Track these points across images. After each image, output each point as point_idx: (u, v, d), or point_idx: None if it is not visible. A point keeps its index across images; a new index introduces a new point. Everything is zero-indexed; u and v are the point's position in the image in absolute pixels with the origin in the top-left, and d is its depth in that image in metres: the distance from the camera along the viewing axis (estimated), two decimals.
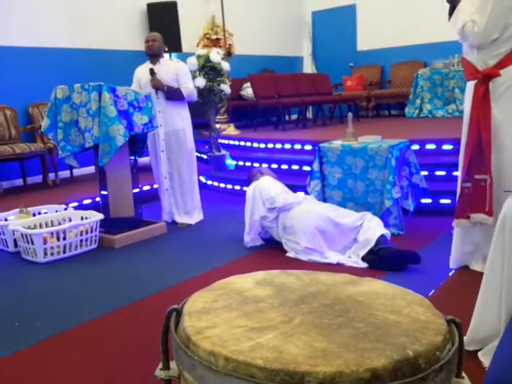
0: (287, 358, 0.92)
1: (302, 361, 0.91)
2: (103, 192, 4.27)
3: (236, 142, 6.92)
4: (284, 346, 0.96)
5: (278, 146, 6.24)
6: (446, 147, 5.03)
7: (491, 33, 2.72)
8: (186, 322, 1.08)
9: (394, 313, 1.12)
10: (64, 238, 3.86)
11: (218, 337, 1.00)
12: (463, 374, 1.07)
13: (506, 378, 1.27)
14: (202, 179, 6.12)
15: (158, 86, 4.40)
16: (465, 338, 2.12)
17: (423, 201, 4.48)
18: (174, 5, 7.48)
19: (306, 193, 4.22)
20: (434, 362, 0.97)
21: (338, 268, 3.29)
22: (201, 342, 1.00)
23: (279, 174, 4.52)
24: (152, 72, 4.39)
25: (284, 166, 5.75)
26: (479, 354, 2.09)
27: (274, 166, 5.74)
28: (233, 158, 6.45)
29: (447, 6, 2.97)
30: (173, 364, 1.11)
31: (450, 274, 3.11)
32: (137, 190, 4.35)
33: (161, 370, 1.12)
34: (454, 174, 3.50)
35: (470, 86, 2.94)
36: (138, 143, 4.34)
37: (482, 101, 2.86)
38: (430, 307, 1.16)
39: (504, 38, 2.74)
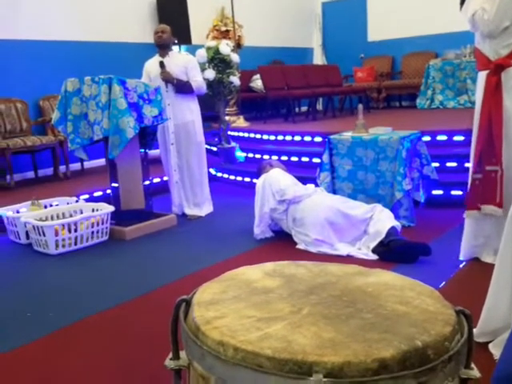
0: (296, 347, 0.92)
1: (310, 351, 0.91)
2: (114, 184, 4.29)
3: (246, 134, 6.91)
4: (292, 336, 0.96)
5: (288, 138, 6.22)
6: (458, 138, 4.99)
7: (501, 20, 2.69)
8: (196, 312, 1.09)
9: (402, 304, 1.11)
10: (75, 230, 3.89)
11: (226, 327, 1.01)
12: (472, 365, 1.07)
13: None
14: (212, 171, 6.13)
15: (168, 78, 4.41)
16: (475, 329, 2.11)
17: (434, 192, 4.46)
18: None
19: (316, 185, 4.21)
20: (443, 353, 0.96)
21: (347, 260, 3.29)
22: (210, 332, 1.00)
23: (289, 166, 4.52)
24: (162, 65, 4.40)
25: (294, 158, 5.74)
26: (490, 345, 2.08)
27: (284, 158, 5.73)
28: (242, 150, 6.45)
29: None
30: (183, 354, 1.12)
31: (461, 266, 3.09)
32: (147, 183, 4.38)
33: (171, 359, 1.13)
34: (466, 165, 3.47)
35: (482, 76, 2.91)
36: (148, 136, 4.35)
37: (494, 91, 2.83)
38: (439, 298, 1.15)
39: None
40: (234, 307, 1.10)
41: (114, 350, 2.34)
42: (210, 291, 1.21)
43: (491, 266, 2.14)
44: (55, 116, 4.17)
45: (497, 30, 2.72)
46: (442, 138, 5.08)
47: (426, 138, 4.80)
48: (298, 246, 3.64)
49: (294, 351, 0.91)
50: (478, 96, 2.96)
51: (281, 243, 3.76)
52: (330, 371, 0.88)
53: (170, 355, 1.13)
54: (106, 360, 2.25)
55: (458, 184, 4.34)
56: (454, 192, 4.42)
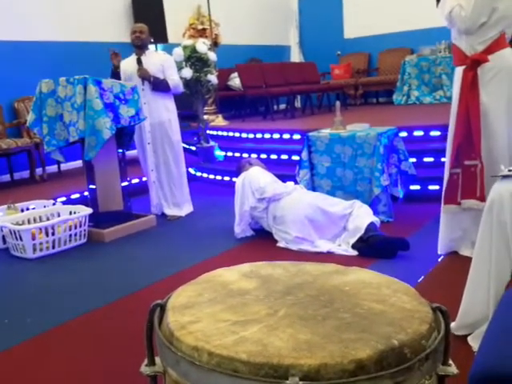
0: (271, 351, 0.91)
1: (286, 354, 0.90)
2: (91, 186, 4.23)
3: (224, 133, 6.88)
4: (268, 339, 0.95)
5: (267, 135, 6.20)
6: (434, 133, 5.03)
7: (478, 17, 2.71)
8: (170, 317, 1.07)
9: (379, 302, 1.11)
10: (53, 234, 3.83)
11: (201, 332, 0.99)
12: (450, 362, 1.06)
13: (494, 362, 1.27)
14: (191, 171, 6.09)
15: (144, 75, 4.36)
16: (454, 323, 2.13)
17: (412, 187, 4.49)
18: None
19: (296, 182, 4.21)
20: (420, 351, 0.96)
21: (328, 256, 3.29)
22: (184, 337, 0.98)
23: (268, 164, 4.51)
24: (139, 61, 4.35)
25: (273, 156, 5.73)
26: (469, 338, 2.10)
27: (263, 156, 5.72)
28: (221, 148, 6.42)
29: None
30: (158, 360, 1.10)
31: (440, 260, 3.12)
32: (125, 184, 4.32)
33: (146, 365, 1.11)
34: (442, 160, 3.50)
35: (459, 71, 2.93)
36: (125, 136, 4.30)
37: (471, 86, 2.85)
38: (415, 295, 1.15)
39: (492, 23, 2.73)
40: (209, 311, 1.09)
41: (91, 355, 2.30)
42: (185, 294, 1.19)
43: (469, 259, 2.15)
44: (30, 118, 4.09)
45: (474, 27, 2.74)
46: (418, 133, 5.11)
47: (403, 134, 4.83)
48: (278, 244, 3.64)
49: (269, 355, 0.90)
50: (455, 91, 2.98)
51: (261, 242, 3.75)
52: (306, 374, 0.87)
53: (146, 361, 1.11)
54: (84, 366, 2.21)
55: (435, 179, 4.37)
56: (431, 187, 4.45)
